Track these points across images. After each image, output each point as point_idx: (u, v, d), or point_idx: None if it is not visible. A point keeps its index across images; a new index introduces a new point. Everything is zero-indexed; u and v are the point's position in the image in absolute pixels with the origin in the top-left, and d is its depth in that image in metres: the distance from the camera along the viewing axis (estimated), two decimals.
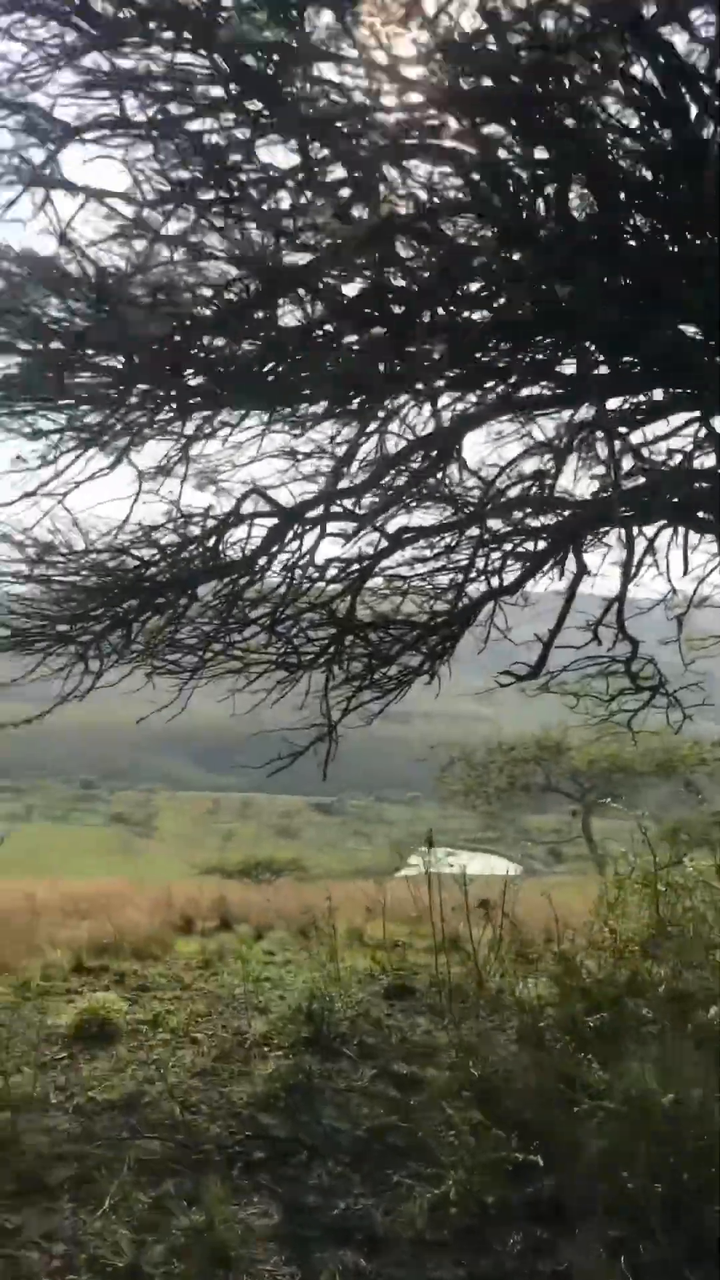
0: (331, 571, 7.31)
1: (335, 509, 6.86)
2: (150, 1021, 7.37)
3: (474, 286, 5.51)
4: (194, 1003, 8.12)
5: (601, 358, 5.84)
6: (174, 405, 6.08)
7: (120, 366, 5.55)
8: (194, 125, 4.74)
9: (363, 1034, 6.76)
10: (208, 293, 5.17)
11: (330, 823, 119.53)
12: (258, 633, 7.77)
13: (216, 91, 4.62)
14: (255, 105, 4.61)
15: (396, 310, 5.42)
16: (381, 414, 6.82)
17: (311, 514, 6.80)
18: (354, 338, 5.76)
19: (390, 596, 8.24)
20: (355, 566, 7.31)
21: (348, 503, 6.93)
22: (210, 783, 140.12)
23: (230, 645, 7.72)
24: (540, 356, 6.01)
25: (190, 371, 5.79)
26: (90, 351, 5.42)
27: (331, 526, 6.93)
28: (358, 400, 6.42)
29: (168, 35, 4.48)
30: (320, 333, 5.58)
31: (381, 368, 5.81)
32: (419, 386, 6.22)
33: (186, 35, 4.45)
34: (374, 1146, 5.01)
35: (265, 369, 5.72)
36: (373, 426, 6.93)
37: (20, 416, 5.74)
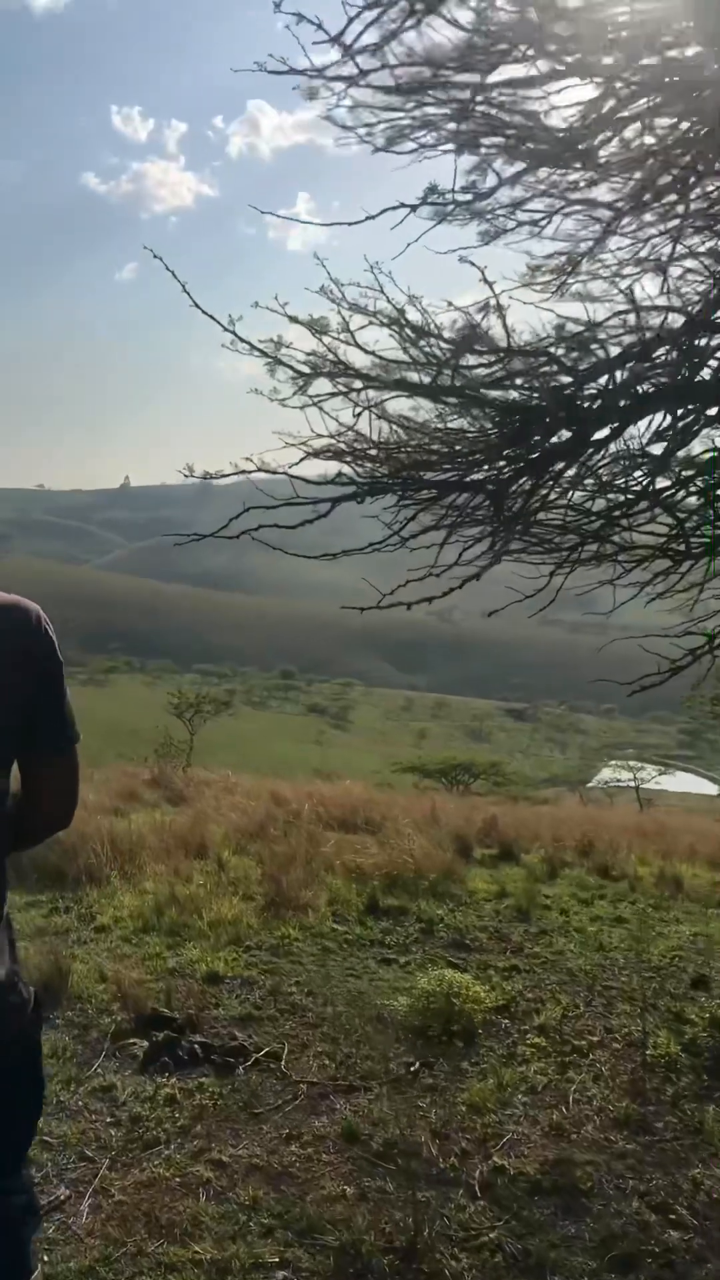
0: None
1: None
2: (506, 1010, 5.42)
3: None
4: (538, 975, 6.15)
5: None
6: None
7: None
8: None
9: None
10: None
11: (522, 728, 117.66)
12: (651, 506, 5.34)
13: None
14: None
15: None
16: None
17: None
18: None
19: None
20: None
21: None
22: (403, 681, 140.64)
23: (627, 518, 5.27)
24: None
25: None
26: None
27: None
28: None
29: None
30: None
31: None
32: None
33: None
34: None
35: None
36: None
37: None
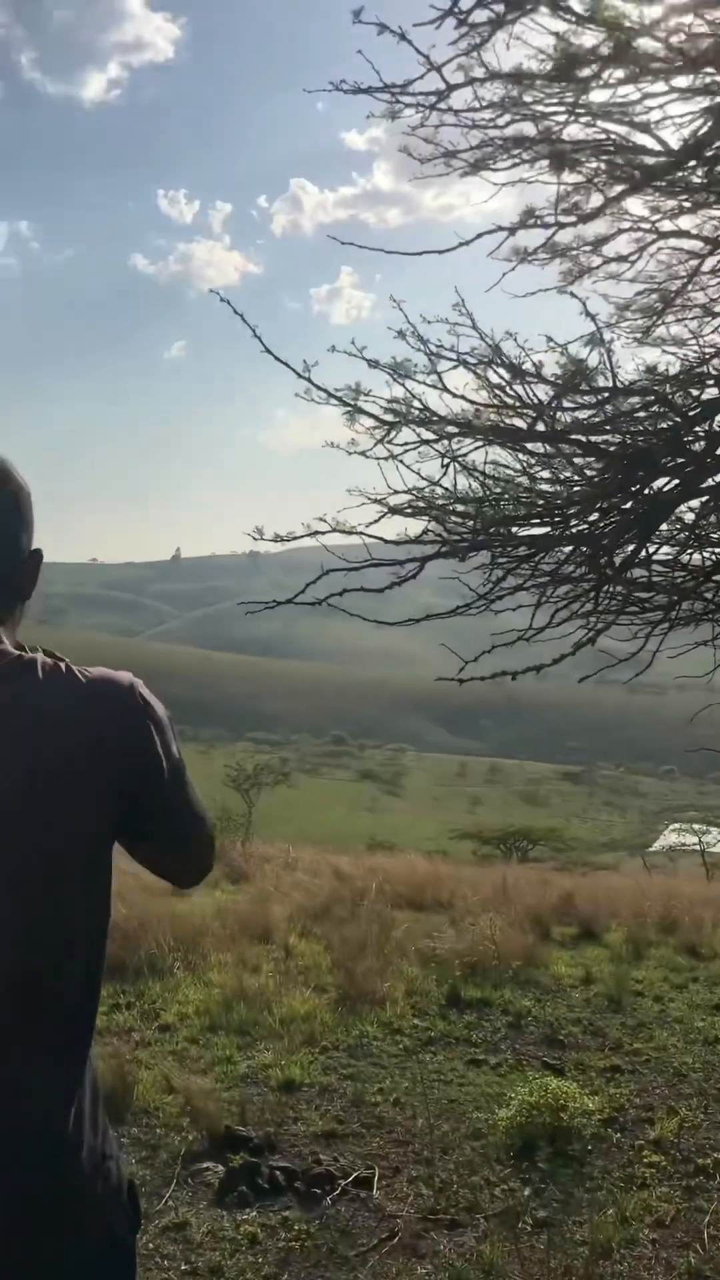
0: None
1: None
2: (615, 1121, 4.87)
3: None
4: (643, 1077, 5.58)
5: None
6: None
7: None
8: None
9: None
10: None
11: (578, 792, 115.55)
12: None
13: None
14: None
15: None
16: None
17: None
18: None
19: None
20: None
21: None
22: (456, 745, 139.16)
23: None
24: None
25: None
26: None
27: None
28: None
29: None
30: None
31: None
32: None
33: None
34: None
35: None
36: None
37: None
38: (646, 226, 4.00)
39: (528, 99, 3.23)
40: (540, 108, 3.26)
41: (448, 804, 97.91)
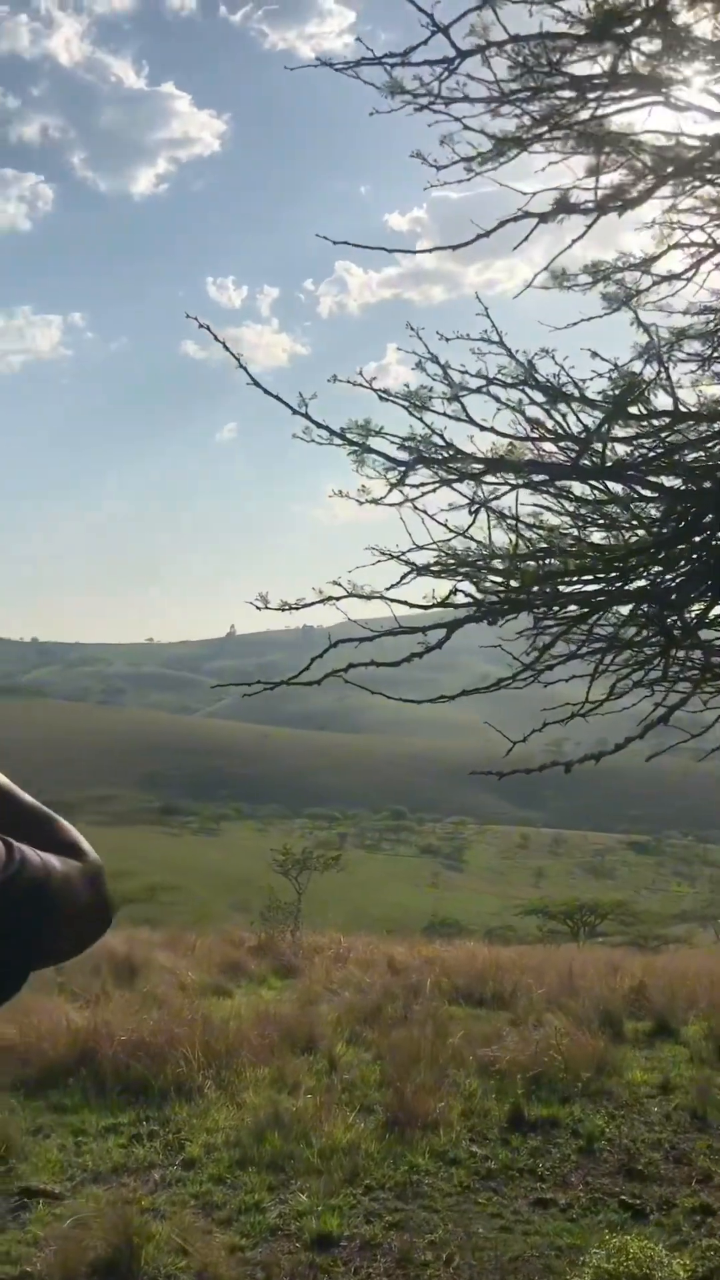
0: None
1: None
2: None
3: None
4: None
5: None
6: None
7: None
8: None
9: None
10: None
11: (646, 862, 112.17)
12: None
13: None
14: None
15: None
16: None
17: None
18: None
19: None
20: None
21: None
22: (518, 816, 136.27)
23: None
24: None
25: None
26: None
27: None
28: None
29: None
30: None
31: None
32: None
33: None
34: None
35: None
36: None
37: None
38: (702, 239, 3.47)
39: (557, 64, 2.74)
40: (573, 70, 2.79)
41: (511, 877, 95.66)
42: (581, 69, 2.81)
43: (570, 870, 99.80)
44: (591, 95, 2.85)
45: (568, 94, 2.87)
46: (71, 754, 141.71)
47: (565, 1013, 8.74)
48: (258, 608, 3.37)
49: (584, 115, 2.86)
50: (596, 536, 3.39)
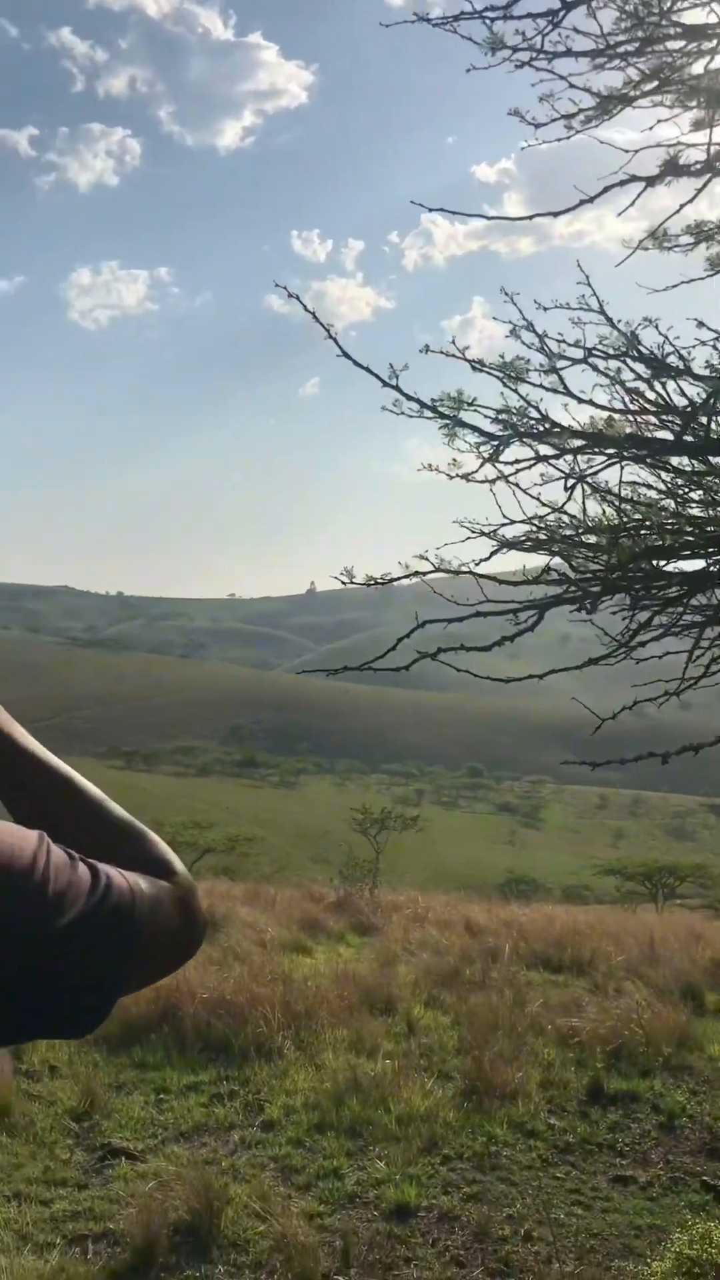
0: None
1: None
2: None
3: None
4: None
5: None
6: None
7: None
8: None
9: None
10: None
11: None
12: None
13: None
14: None
15: None
16: None
17: None
18: None
19: None
20: None
21: None
22: (596, 776, 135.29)
23: None
24: None
25: None
26: None
27: None
28: None
29: None
30: None
31: None
32: None
33: None
34: None
35: None
36: None
37: None
38: None
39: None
40: (685, 20, 2.59)
41: (589, 837, 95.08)
42: (695, 17, 2.62)
43: (649, 831, 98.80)
44: (707, 46, 2.67)
45: (679, 44, 2.69)
46: (156, 706, 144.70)
47: (645, 982, 8.64)
48: (343, 583, 3.29)
49: (697, 69, 2.69)
50: (697, 512, 3.23)
